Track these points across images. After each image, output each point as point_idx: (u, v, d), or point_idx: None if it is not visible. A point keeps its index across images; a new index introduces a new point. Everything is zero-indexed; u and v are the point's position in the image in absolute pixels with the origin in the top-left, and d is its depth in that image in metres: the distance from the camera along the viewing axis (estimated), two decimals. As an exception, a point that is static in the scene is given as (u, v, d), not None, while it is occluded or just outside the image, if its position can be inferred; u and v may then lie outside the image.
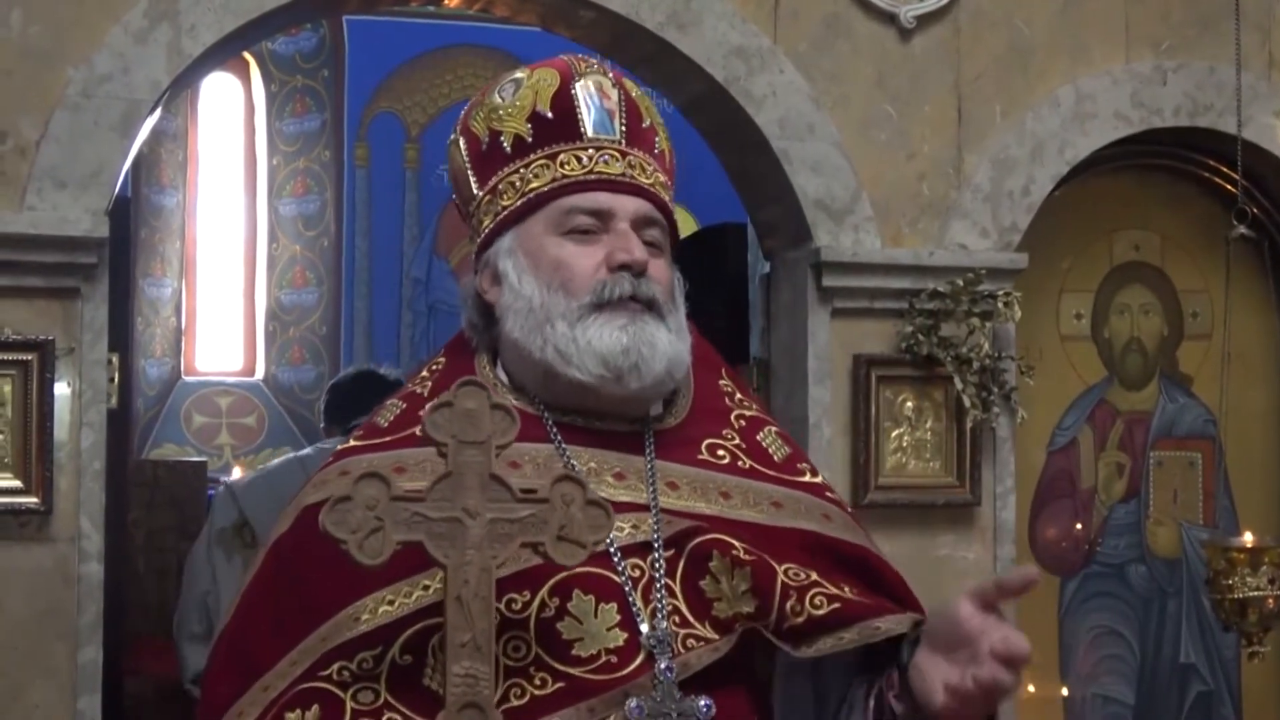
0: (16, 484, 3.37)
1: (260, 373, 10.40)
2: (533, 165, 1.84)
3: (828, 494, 1.90)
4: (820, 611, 1.76)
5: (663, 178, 1.89)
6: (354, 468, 1.76)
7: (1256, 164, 4.26)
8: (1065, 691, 4.37)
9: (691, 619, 1.74)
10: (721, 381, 1.96)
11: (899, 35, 4.02)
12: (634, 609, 1.72)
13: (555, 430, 1.81)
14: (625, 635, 1.71)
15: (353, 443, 1.86)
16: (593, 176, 1.83)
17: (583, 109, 1.85)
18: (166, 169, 10.09)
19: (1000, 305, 3.91)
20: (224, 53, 3.77)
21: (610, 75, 1.91)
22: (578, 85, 1.87)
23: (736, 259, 4.89)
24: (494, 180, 1.87)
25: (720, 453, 1.87)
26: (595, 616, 1.71)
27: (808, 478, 1.90)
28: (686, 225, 8.79)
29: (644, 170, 1.86)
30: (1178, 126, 4.24)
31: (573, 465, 1.78)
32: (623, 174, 1.84)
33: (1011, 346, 4.02)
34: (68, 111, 3.43)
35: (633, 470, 1.81)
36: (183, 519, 7.30)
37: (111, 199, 3.49)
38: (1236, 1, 3.96)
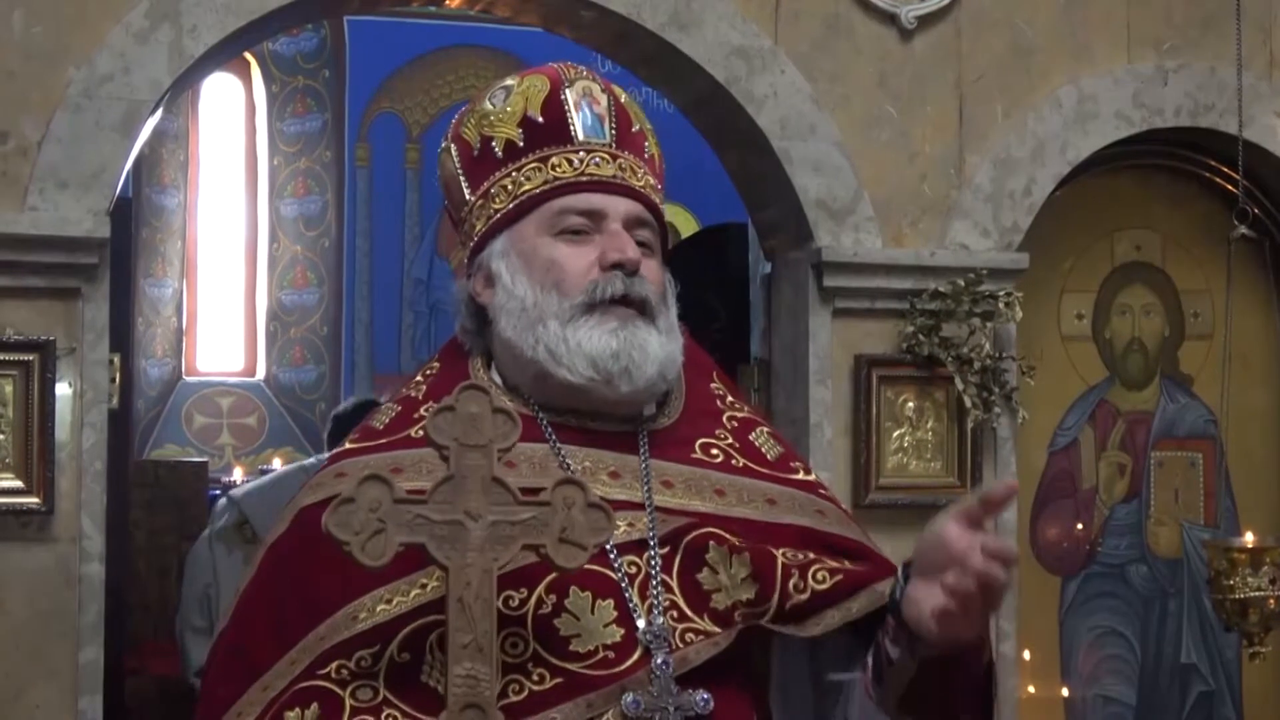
0: (18, 484, 3.37)
1: (261, 373, 10.41)
2: (525, 168, 1.86)
3: (821, 491, 1.92)
4: (823, 585, 1.77)
5: (653, 181, 1.91)
6: (350, 469, 1.78)
7: (1258, 164, 4.26)
8: (1066, 692, 4.37)
9: (690, 612, 1.75)
10: (713, 385, 1.97)
11: (900, 35, 4.02)
12: (631, 605, 1.73)
13: (550, 430, 1.82)
14: (622, 631, 1.72)
15: (348, 445, 1.87)
16: (584, 178, 1.85)
17: (573, 113, 1.87)
18: (168, 169, 10.10)
19: (1001, 305, 3.91)
20: (225, 53, 3.77)
21: (599, 81, 1.92)
22: (568, 91, 1.88)
23: (737, 259, 4.89)
24: (486, 184, 1.88)
25: (714, 451, 1.88)
26: (592, 613, 1.72)
27: (801, 475, 1.92)
28: (687, 225, 8.80)
29: (635, 172, 1.87)
30: (1179, 126, 4.24)
31: (568, 464, 1.79)
32: (614, 175, 1.85)
33: (1013, 347, 4.02)
34: (69, 112, 3.43)
35: (627, 469, 1.82)
36: (183, 519, 7.31)
37: (113, 199, 3.49)
38: (1238, 2, 3.96)
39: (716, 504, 1.82)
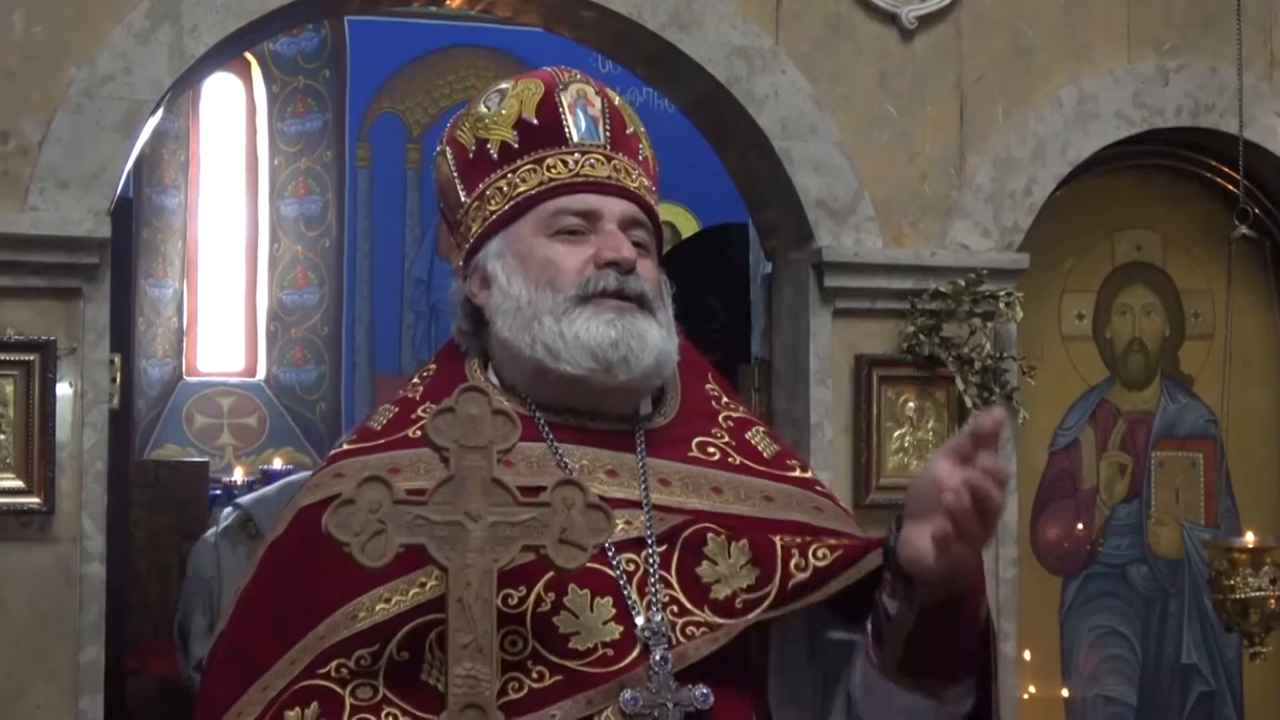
0: (19, 484, 3.37)
1: (262, 373, 10.41)
2: (520, 170, 1.87)
3: (818, 488, 1.92)
4: (824, 562, 1.78)
5: (647, 183, 1.92)
6: (348, 470, 1.78)
7: (1258, 164, 4.27)
8: (1067, 692, 4.37)
9: (690, 606, 1.75)
10: (708, 386, 1.98)
11: (900, 35, 4.02)
12: (629, 602, 1.73)
13: (547, 429, 1.83)
14: (621, 628, 1.72)
15: (345, 446, 1.88)
16: (580, 179, 1.85)
17: (568, 115, 1.88)
18: (168, 169, 10.11)
19: (1002, 305, 3.91)
20: (226, 53, 3.77)
21: (594, 84, 1.93)
22: (562, 93, 1.89)
23: (738, 259, 4.89)
24: (481, 186, 1.89)
25: (710, 450, 1.88)
26: (591, 610, 1.72)
27: (798, 473, 1.92)
28: (688, 225, 8.80)
29: (629, 174, 1.88)
30: (1180, 127, 4.24)
31: (565, 463, 1.80)
32: (609, 177, 1.86)
33: (1013, 347, 4.02)
34: (70, 112, 3.43)
35: (625, 467, 1.82)
36: (184, 519, 7.31)
37: (113, 199, 3.49)
38: (1238, 2, 3.96)
39: (714, 501, 1.82)
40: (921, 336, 3.89)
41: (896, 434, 3.94)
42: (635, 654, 1.71)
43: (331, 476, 1.81)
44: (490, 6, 4.09)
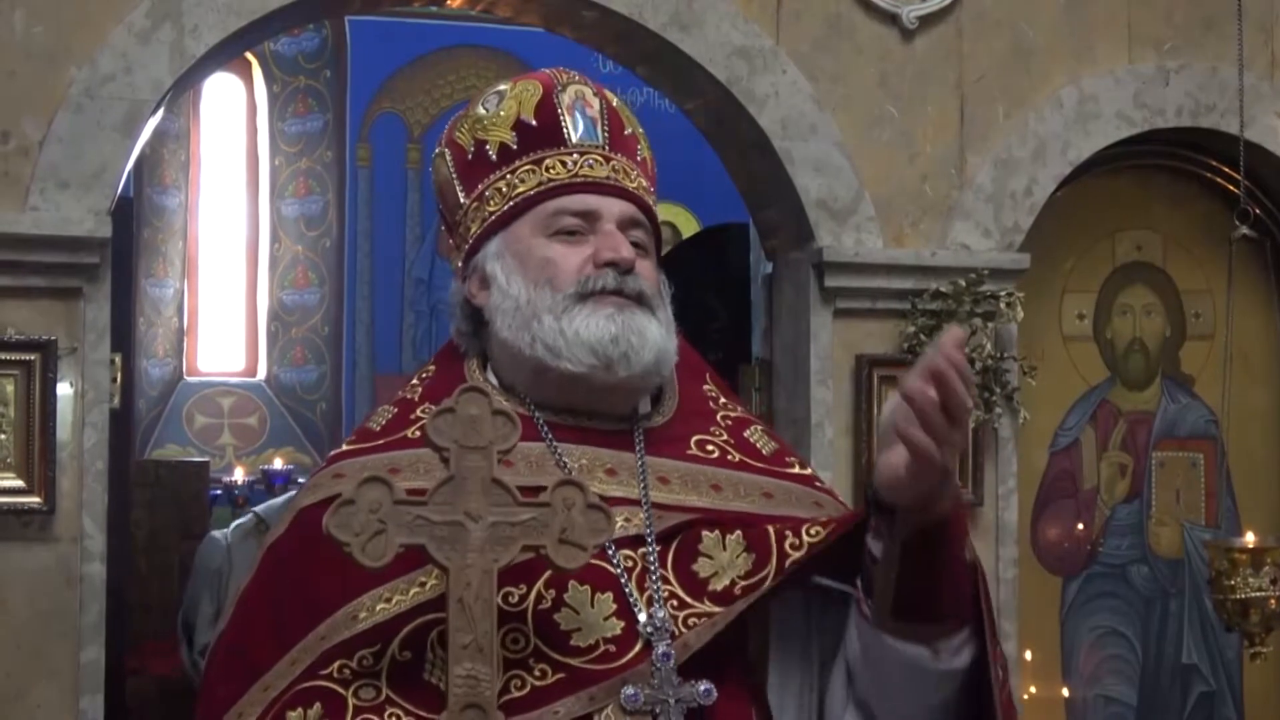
0: (19, 484, 3.37)
1: (262, 373, 10.41)
2: (519, 171, 1.87)
3: (817, 484, 1.92)
4: (817, 538, 1.78)
5: (645, 183, 1.92)
6: (348, 470, 1.78)
7: (1259, 164, 4.27)
8: (1067, 692, 4.37)
9: (690, 599, 1.75)
10: (706, 387, 1.98)
11: (901, 36, 4.02)
12: (630, 598, 1.74)
13: (546, 429, 1.83)
14: (622, 624, 1.72)
15: (345, 447, 1.88)
16: (579, 179, 1.86)
17: (566, 116, 1.89)
18: (169, 169, 10.10)
19: (1002, 306, 3.91)
20: (226, 53, 3.77)
21: (592, 85, 1.94)
22: (561, 94, 1.90)
23: (739, 259, 4.89)
24: (480, 187, 1.90)
25: (709, 448, 1.89)
26: (592, 606, 1.72)
27: (796, 469, 1.93)
28: (688, 225, 8.80)
29: (628, 175, 1.89)
30: (1180, 127, 4.24)
31: (564, 462, 1.80)
32: (608, 177, 1.87)
33: (1014, 347, 4.02)
34: (70, 112, 3.43)
35: (624, 466, 1.83)
36: (185, 519, 7.32)
37: (114, 199, 3.49)
38: (1239, 2, 3.96)
39: (713, 499, 1.83)
40: (922, 336, 3.89)
41: (897, 434, 3.94)
42: (637, 650, 1.71)
43: (331, 477, 1.81)
44: (491, 6, 4.09)
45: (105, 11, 3.48)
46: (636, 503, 1.79)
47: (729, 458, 1.88)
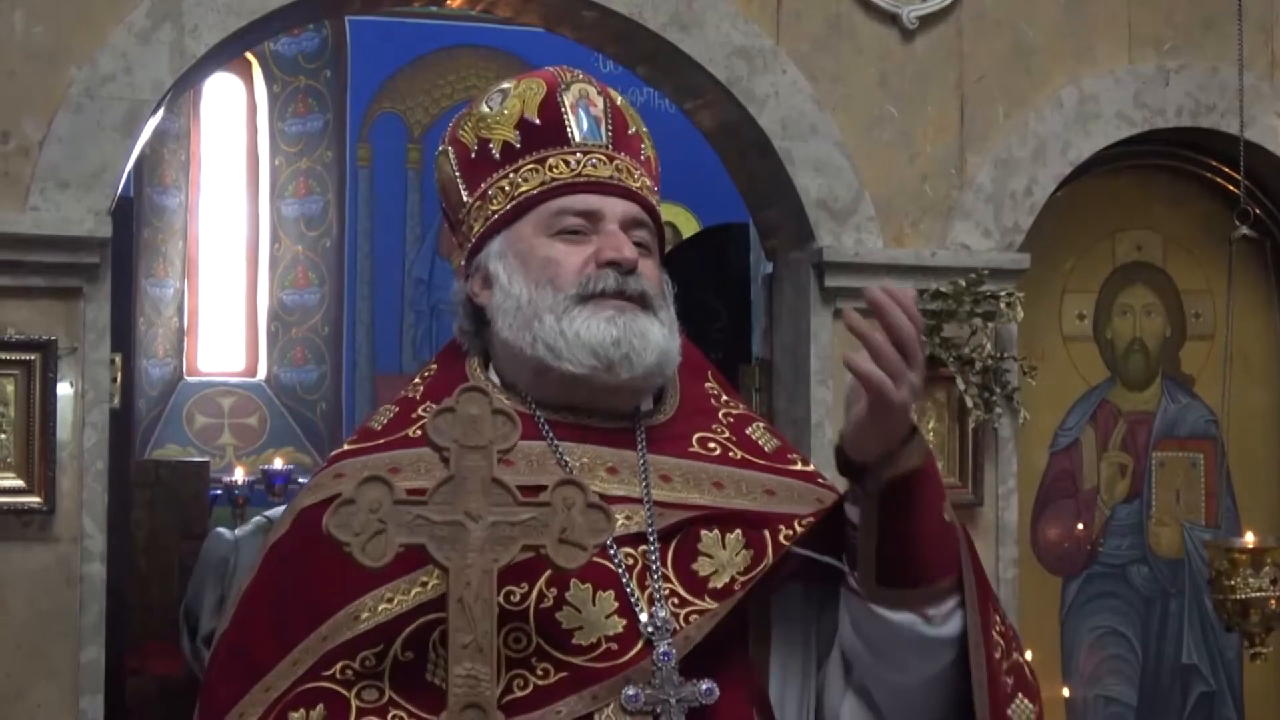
0: (19, 484, 3.37)
1: (262, 373, 10.41)
2: (522, 170, 1.87)
3: (820, 480, 1.91)
4: (807, 520, 1.79)
5: (649, 183, 1.92)
6: (349, 470, 1.78)
7: (1259, 164, 4.27)
8: (1067, 692, 4.37)
9: (690, 597, 1.75)
10: (708, 385, 1.98)
11: (901, 36, 4.02)
12: (631, 595, 1.74)
13: (547, 428, 1.83)
14: (624, 622, 1.72)
15: (347, 446, 1.88)
16: (582, 179, 1.85)
17: (570, 115, 1.88)
18: (169, 169, 10.10)
19: (1003, 306, 3.91)
20: (227, 53, 3.77)
21: (596, 84, 1.93)
22: (564, 93, 1.89)
23: (739, 259, 4.90)
24: (483, 186, 1.89)
25: (711, 445, 1.88)
26: (593, 605, 1.72)
27: (799, 466, 1.92)
28: (688, 225, 8.80)
29: (631, 174, 1.88)
30: (1180, 127, 4.24)
31: (565, 461, 1.80)
32: (611, 177, 1.86)
33: (1014, 347, 4.02)
34: (71, 112, 3.43)
35: (625, 464, 1.82)
36: (185, 519, 7.32)
37: (114, 199, 3.49)
38: (1239, 2, 3.96)
39: (715, 496, 1.82)
40: (922, 337, 3.87)
41: (897, 434, 3.94)
42: (639, 647, 1.71)
43: (332, 477, 1.81)
44: (491, 6, 4.09)
45: (105, 11, 3.48)
46: (638, 501, 1.79)
47: (731, 455, 1.88)
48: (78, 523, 3.42)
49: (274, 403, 10.29)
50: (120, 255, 3.76)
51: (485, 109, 1.91)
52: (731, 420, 1.93)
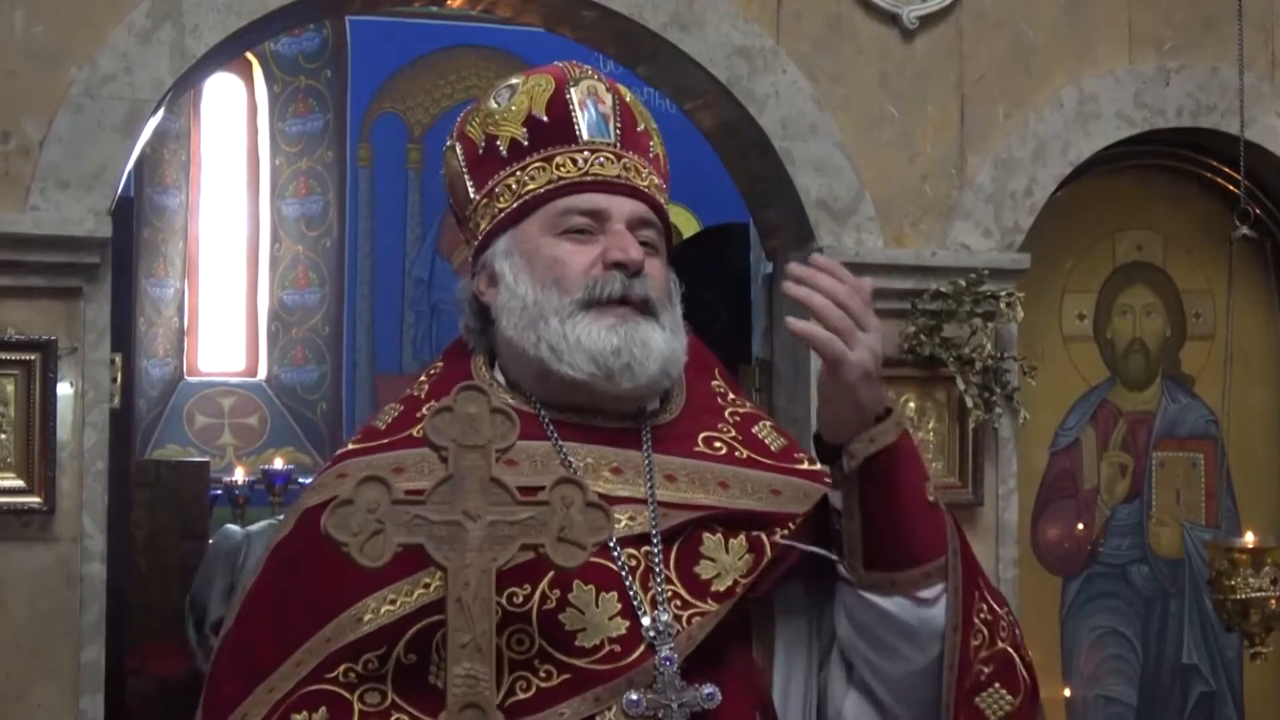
0: (19, 484, 3.37)
1: (263, 373, 10.41)
2: (529, 168, 1.86)
3: (826, 479, 1.89)
4: (798, 519, 1.80)
5: (658, 181, 1.91)
6: (352, 470, 1.77)
7: (1259, 164, 4.27)
8: (1068, 692, 4.37)
9: (693, 599, 1.75)
10: (715, 383, 1.97)
11: (901, 36, 4.02)
12: (633, 597, 1.73)
13: (552, 428, 1.82)
14: (627, 624, 1.71)
15: (351, 446, 1.87)
16: (588, 178, 1.84)
17: (578, 113, 1.87)
18: (169, 169, 10.11)
19: (1003, 306, 3.91)
20: (227, 53, 3.77)
21: (604, 80, 1.92)
22: (572, 90, 1.88)
23: (739, 259, 4.89)
24: (490, 184, 1.88)
25: (717, 444, 1.88)
26: (596, 606, 1.71)
27: (805, 465, 1.91)
28: (689, 225, 8.80)
29: (639, 173, 1.87)
30: (1180, 127, 4.24)
31: (569, 461, 1.79)
32: (618, 176, 1.85)
33: (1014, 347, 4.02)
34: (71, 111, 3.43)
35: (630, 465, 1.82)
36: (185, 519, 7.32)
37: (114, 199, 3.49)
38: (1240, 2, 3.96)
39: (720, 496, 1.82)
40: (922, 337, 3.89)
41: (897, 434, 3.94)
42: (642, 649, 1.70)
43: (335, 477, 1.81)
44: (491, 6, 4.09)
45: (105, 11, 3.48)
46: (642, 501, 1.78)
47: (737, 454, 1.87)
48: (78, 523, 3.42)
49: (274, 403, 10.29)
50: (120, 255, 3.76)
51: (493, 104, 1.90)
52: (738, 419, 1.92)
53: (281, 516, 4.52)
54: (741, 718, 1.75)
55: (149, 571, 7.04)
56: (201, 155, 10.41)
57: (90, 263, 3.43)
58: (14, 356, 3.36)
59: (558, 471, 1.74)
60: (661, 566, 1.76)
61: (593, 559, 1.66)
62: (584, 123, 1.87)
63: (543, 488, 1.63)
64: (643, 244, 1.84)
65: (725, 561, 1.77)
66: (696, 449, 1.86)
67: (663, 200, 1.91)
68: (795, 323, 1.66)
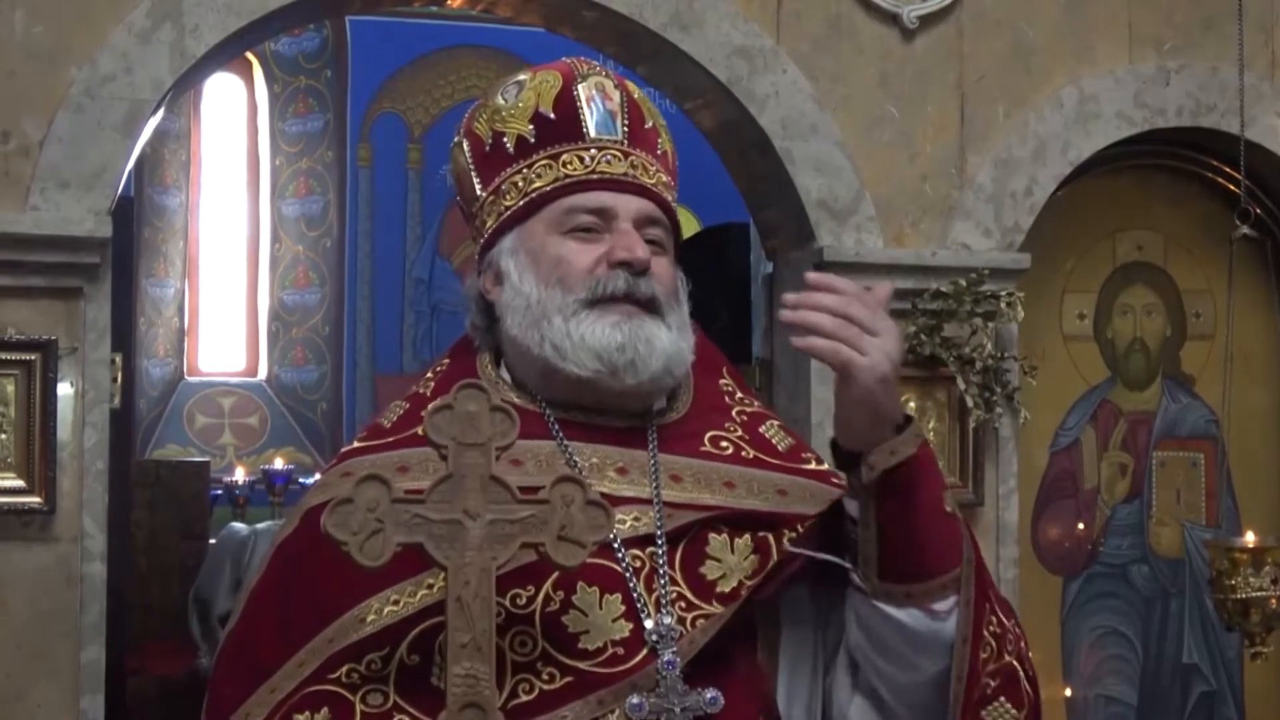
0: (19, 484, 3.37)
1: (263, 373, 10.42)
2: (535, 165, 1.85)
3: (834, 480, 1.88)
4: (807, 521, 1.79)
5: (665, 178, 1.89)
6: (356, 469, 1.76)
7: (1259, 164, 4.27)
8: (1068, 692, 4.37)
9: (698, 601, 1.74)
10: (722, 381, 1.96)
11: (901, 35, 4.02)
12: (637, 599, 1.72)
13: (557, 427, 1.81)
14: (630, 626, 1.71)
15: (356, 444, 1.87)
16: (595, 176, 1.83)
17: (585, 110, 1.86)
18: (170, 169, 10.11)
19: (1003, 305, 3.91)
20: (227, 53, 3.77)
21: (612, 77, 1.91)
22: (580, 87, 1.87)
23: (739, 259, 4.89)
24: (497, 181, 1.87)
25: (724, 444, 1.86)
26: (600, 608, 1.70)
27: (813, 465, 1.90)
28: (689, 225, 8.80)
29: (646, 170, 1.86)
30: (1181, 127, 4.24)
31: (575, 461, 1.78)
32: (625, 174, 1.84)
33: (1014, 347, 4.02)
34: (71, 111, 3.43)
35: (635, 464, 1.81)
36: (185, 519, 7.31)
37: (114, 199, 3.49)
38: (1240, 2, 3.96)
39: (726, 496, 1.81)
40: (923, 336, 3.88)
41: (897, 434, 3.94)
42: (645, 652, 1.70)
43: (339, 475, 1.80)
44: (491, 6, 4.09)
45: (105, 11, 3.48)
46: (647, 501, 1.77)
47: (743, 454, 1.86)
48: (78, 523, 3.42)
49: (274, 403, 10.30)
50: (120, 255, 3.76)
51: (500, 101, 1.88)
52: (745, 418, 1.91)
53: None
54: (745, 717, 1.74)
55: (149, 571, 7.03)
56: (202, 155, 10.42)
57: (90, 263, 3.42)
58: (14, 356, 3.36)
59: (562, 471, 1.73)
60: (666, 567, 1.75)
61: (597, 560, 1.66)
62: (591, 120, 1.85)
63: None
64: (649, 242, 1.83)
65: (730, 562, 1.77)
66: (703, 448, 1.85)
67: (671, 198, 1.90)
68: (797, 340, 1.65)
